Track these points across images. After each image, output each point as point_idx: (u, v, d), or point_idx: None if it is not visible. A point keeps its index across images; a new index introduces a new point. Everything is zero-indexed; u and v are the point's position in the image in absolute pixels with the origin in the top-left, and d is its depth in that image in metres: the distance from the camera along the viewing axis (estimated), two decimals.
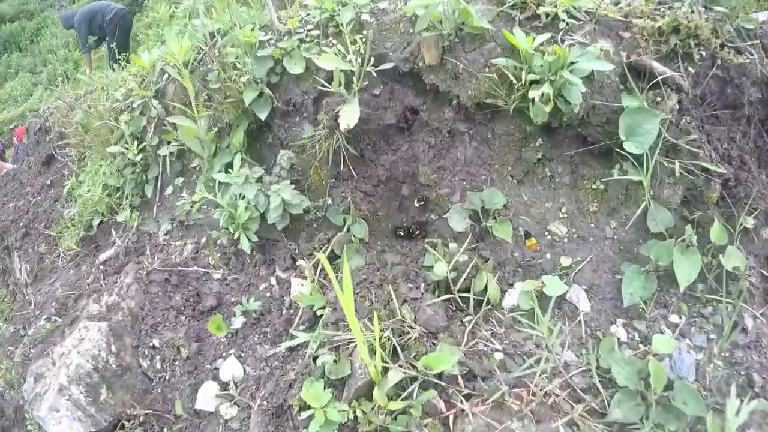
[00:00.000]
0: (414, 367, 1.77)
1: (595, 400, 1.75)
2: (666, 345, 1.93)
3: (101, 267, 3.35)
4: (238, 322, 2.51)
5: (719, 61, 2.46)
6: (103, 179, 3.54)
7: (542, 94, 1.93)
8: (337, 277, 2.26)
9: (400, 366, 1.76)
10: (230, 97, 2.70)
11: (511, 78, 2.09)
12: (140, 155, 3.23)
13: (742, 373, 1.93)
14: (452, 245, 1.99)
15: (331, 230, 2.38)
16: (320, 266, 2.29)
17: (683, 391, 1.68)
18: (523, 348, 1.94)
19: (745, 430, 1.65)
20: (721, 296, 2.20)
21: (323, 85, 2.24)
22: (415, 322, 1.91)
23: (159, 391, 2.82)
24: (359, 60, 2.19)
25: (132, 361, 2.93)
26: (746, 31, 2.53)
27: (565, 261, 2.19)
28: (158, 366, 2.79)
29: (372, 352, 1.72)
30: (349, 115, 2.15)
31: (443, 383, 1.73)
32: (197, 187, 2.60)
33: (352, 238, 2.30)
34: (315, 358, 2.06)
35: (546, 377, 1.79)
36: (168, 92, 3.17)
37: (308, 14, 2.62)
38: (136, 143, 3.28)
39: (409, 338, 1.87)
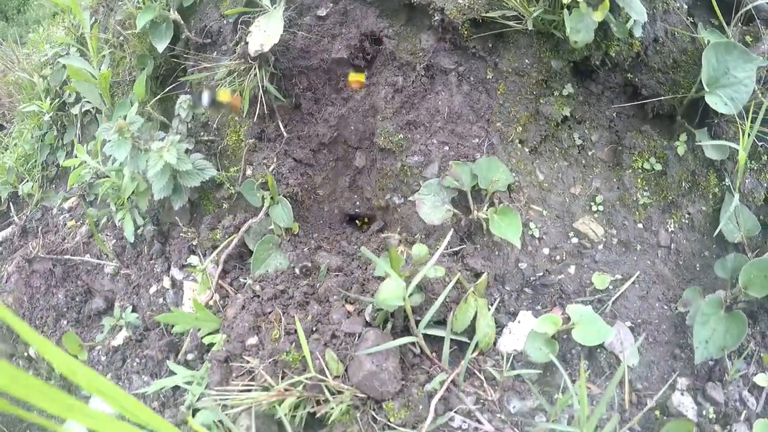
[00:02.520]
0: None
1: None
2: None
3: None
4: (120, 337, 1.59)
5: None
6: (21, 144, 2.63)
7: None
8: (244, 285, 1.33)
9: None
10: (135, 28, 1.74)
11: None
12: (54, 114, 2.31)
13: None
14: (418, 248, 1.04)
15: (247, 213, 1.45)
16: (221, 266, 1.35)
17: None
18: (530, 429, 1.00)
19: None
20: None
21: None
22: (344, 381, 0.97)
23: (36, 414, 1.92)
24: None
25: None
26: None
27: (600, 280, 1.25)
28: None
29: None
30: (267, 34, 1.20)
31: None
32: (78, 149, 1.66)
33: (272, 226, 1.36)
34: (195, 412, 1.16)
35: None
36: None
37: None
38: (49, 100, 2.36)
39: (331, 410, 0.93)
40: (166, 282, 1.55)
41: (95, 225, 1.80)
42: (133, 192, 1.53)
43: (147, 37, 1.74)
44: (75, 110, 2.27)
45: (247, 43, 1.27)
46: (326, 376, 0.99)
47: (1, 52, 3.19)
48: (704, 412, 1.14)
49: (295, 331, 1.15)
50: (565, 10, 1.13)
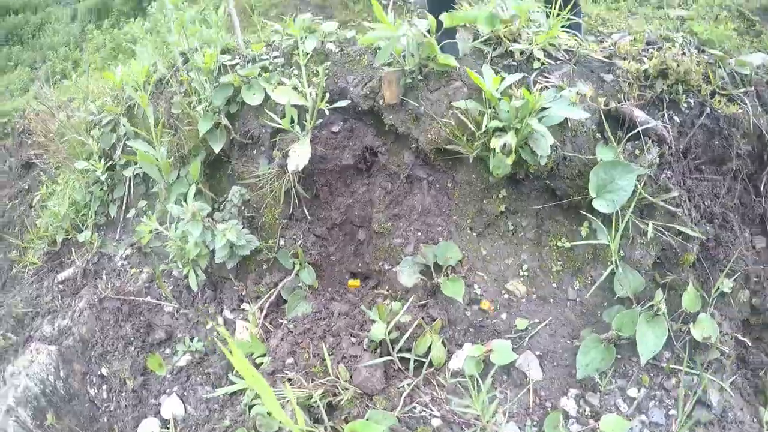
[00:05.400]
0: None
1: None
2: (616, 426, 2.00)
3: (60, 286, 3.54)
4: (183, 360, 2.65)
5: (708, 110, 2.50)
6: (71, 194, 3.71)
7: (504, 145, 2.00)
8: (281, 324, 2.38)
9: (325, 430, 1.88)
10: (190, 124, 2.83)
11: (471, 125, 2.17)
12: (107, 173, 3.38)
13: None
14: (395, 304, 2.09)
15: (281, 273, 2.50)
16: (265, 311, 2.41)
17: None
18: (463, 417, 2.03)
19: None
20: (689, 367, 2.26)
21: (275, 121, 2.35)
22: (350, 383, 2.02)
23: (105, 420, 3.00)
24: (314, 95, 2.30)
25: (80, 387, 3.11)
26: (740, 76, 2.56)
27: (521, 323, 2.27)
28: (104, 395, 2.96)
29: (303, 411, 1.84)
30: (299, 156, 2.26)
31: None
32: (149, 217, 2.74)
33: (300, 284, 2.42)
34: (251, 407, 2.19)
35: None
36: (139, 112, 3.32)
37: (275, 41, 2.73)
38: (103, 161, 3.41)
39: (342, 399, 1.98)
40: (220, 321, 2.61)
41: (159, 275, 2.88)
42: (196, 255, 2.59)
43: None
44: (128, 173, 3.36)
45: (286, 162, 2.34)
46: (339, 379, 2.04)
47: (41, 97, 4.29)
48: (581, 411, 2.15)
49: (318, 354, 2.20)
50: (491, 152, 2.18)
